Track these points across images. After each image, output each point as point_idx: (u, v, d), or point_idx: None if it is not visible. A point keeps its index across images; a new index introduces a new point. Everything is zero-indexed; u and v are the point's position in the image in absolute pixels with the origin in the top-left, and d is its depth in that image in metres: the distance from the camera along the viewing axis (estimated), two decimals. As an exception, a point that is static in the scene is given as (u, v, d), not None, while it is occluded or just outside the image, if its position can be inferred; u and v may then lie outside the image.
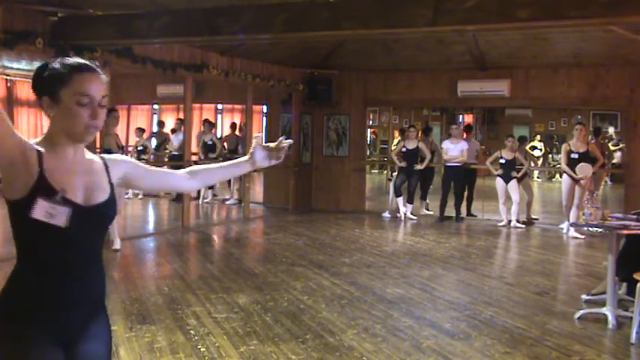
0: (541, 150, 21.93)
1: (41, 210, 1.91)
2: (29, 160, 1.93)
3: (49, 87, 1.98)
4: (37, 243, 1.98)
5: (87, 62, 2.03)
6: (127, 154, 10.62)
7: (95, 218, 2.05)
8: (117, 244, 8.14)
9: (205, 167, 2.44)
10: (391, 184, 12.53)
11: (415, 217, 11.75)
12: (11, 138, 1.90)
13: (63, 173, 1.99)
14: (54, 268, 1.98)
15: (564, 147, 10.18)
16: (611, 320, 5.28)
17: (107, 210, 2.09)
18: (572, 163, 9.74)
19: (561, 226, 10.54)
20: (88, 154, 2.13)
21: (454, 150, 11.55)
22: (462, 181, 11.67)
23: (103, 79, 2.03)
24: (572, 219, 9.49)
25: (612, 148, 17.17)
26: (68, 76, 1.97)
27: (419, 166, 11.66)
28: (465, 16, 5.90)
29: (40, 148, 1.96)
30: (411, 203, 11.84)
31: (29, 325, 1.95)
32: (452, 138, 11.82)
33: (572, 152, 9.83)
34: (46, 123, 2.09)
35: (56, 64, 1.99)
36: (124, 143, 12.33)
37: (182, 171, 2.41)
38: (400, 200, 11.83)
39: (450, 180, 11.59)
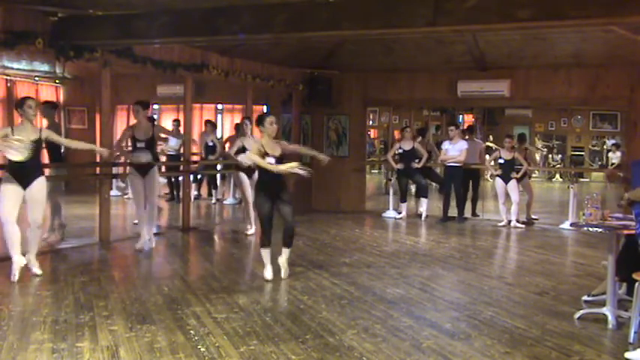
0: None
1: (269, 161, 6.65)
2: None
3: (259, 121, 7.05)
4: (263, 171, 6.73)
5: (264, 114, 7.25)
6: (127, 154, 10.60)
7: (279, 160, 6.67)
8: (145, 245, 8.28)
9: None
10: (391, 185, 12.53)
11: (426, 215, 11.72)
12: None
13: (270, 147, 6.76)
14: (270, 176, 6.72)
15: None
16: (611, 320, 5.29)
17: (283, 156, 6.80)
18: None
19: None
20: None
21: (452, 150, 11.57)
22: (462, 181, 11.66)
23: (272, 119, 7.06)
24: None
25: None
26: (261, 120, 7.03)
27: (416, 165, 11.68)
28: (465, 16, 5.90)
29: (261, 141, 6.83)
30: (426, 197, 11.82)
31: (262, 193, 6.71)
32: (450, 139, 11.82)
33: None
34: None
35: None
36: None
37: None
38: (404, 205, 11.83)
39: (450, 180, 11.59)
